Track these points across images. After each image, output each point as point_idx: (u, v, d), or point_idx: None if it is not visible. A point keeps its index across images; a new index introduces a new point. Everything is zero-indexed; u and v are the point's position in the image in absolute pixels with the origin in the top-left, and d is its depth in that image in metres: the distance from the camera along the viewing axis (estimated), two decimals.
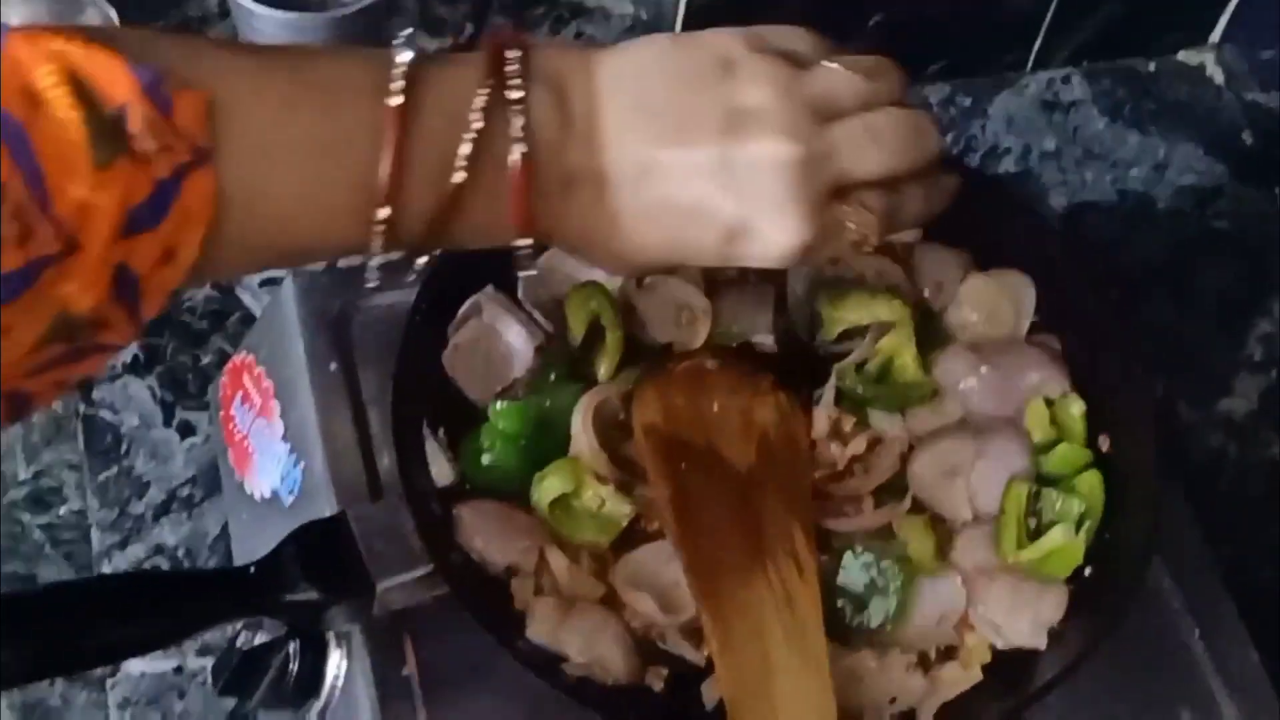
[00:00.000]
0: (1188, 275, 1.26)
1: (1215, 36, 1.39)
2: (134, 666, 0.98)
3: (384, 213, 0.59)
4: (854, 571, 0.80)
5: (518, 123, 0.61)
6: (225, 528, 1.03)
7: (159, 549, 1.04)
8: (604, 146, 0.63)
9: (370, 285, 0.63)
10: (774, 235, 0.64)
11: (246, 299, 1.14)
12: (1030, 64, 1.35)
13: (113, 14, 1.20)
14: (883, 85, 0.66)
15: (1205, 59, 1.39)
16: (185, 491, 1.06)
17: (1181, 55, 1.39)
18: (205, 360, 1.11)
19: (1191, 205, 1.30)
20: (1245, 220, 1.30)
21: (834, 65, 0.65)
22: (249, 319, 1.12)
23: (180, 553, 1.03)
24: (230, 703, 0.95)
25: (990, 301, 0.89)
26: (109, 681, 0.98)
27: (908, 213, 0.68)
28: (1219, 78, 1.38)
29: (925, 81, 1.33)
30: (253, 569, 0.77)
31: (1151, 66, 1.38)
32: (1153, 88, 1.37)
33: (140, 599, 0.76)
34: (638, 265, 0.67)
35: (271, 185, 0.57)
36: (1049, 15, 1.31)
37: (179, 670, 0.98)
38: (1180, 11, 1.37)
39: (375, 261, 0.62)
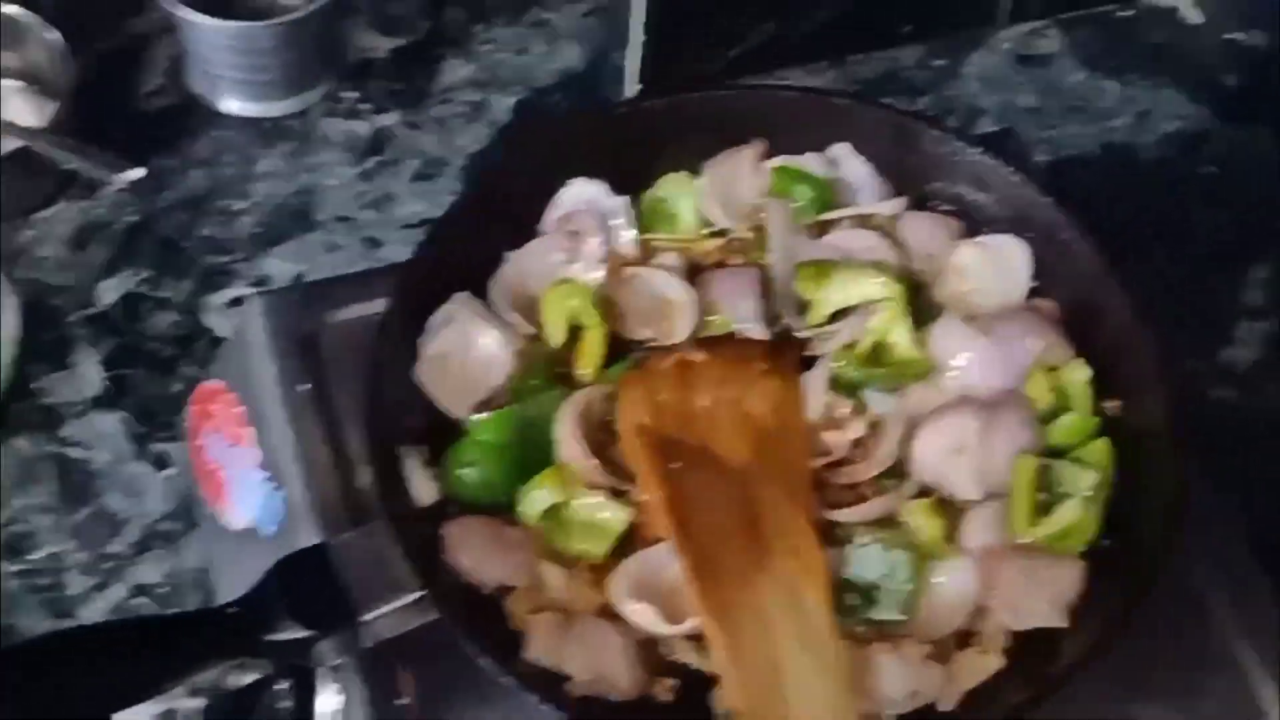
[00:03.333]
0: (1179, 224, 1.23)
1: None
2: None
3: None
4: (861, 563, 0.77)
5: None
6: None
7: (140, 589, 1.00)
8: None
9: None
10: None
11: (211, 320, 1.11)
12: (1003, 18, 1.31)
13: (56, 35, 1.16)
14: None
15: (1180, 1, 1.35)
16: (164, 526, 1.03)
17: None
18: (175, 388, 1.08)
19: (1178, 152, 1.27)
20: (1234, 163, 1.26)
21: None
22: (216, 342, 1.09)
23: (163, 591, 1.00)
24: None
25: (983, 269, 0.85)
26: None
27: None
28: (1196, 18, 1.35)
29: (897, 44, 1.29)
30: (234, 608, 0.73)
31: (1127, 12, 1.34)
32: (1130, 34, 1.33)
33: (120, 648, 0.72)
34: None
35: None
36: None
37: (169, 715, 0.95)
38: None
39: None
